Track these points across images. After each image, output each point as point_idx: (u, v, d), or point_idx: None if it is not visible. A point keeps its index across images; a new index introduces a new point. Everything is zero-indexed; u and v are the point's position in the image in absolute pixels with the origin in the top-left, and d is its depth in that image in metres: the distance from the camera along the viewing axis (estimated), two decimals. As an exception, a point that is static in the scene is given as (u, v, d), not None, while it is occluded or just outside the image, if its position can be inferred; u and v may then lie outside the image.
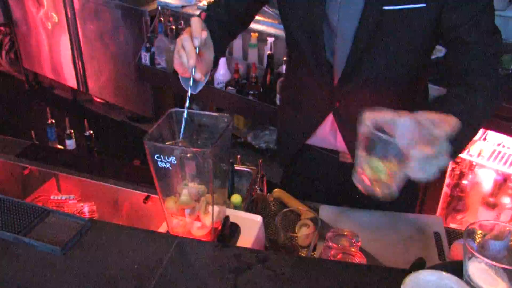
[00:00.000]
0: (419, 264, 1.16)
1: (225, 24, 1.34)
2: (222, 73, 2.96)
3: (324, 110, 1.35)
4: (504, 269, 0.79)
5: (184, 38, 1.05)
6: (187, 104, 1.03)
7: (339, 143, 1.38)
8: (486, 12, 1.12)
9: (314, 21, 1.22)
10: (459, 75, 1.15)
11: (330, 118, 1.35)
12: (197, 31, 1.04)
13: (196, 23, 1.04)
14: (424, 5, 1.11)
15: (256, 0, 1.36)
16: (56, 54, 4.15)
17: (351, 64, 1.23)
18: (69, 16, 3.85)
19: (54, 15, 3.95)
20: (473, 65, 1.12)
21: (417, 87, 1.35)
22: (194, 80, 1.21)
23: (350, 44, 1.20)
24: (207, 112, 1.06)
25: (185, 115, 1.02)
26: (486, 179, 2.43)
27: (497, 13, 2.41)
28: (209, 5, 1.38)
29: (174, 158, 0.95)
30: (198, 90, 1.22)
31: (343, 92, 1.29)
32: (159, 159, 0.96)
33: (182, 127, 1.01)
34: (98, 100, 4.30)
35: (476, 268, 0.82)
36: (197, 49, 1.04)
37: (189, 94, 1.06)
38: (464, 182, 2.51)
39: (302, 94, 1.42)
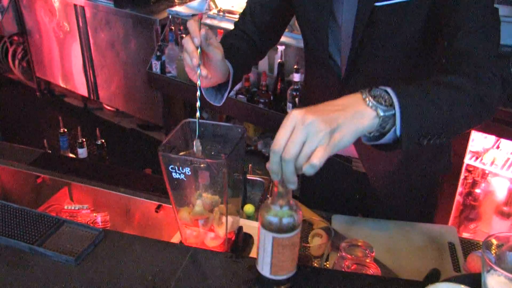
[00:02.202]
0: (434, 275, 1.15)
1: (253, 40, 1.34)
2: (233, 81, 2.98)
3: None
4: (523, 282, 0.78)
5: (184, 41, 1.05)
6: (198, 104, 1.03)
7: (350, 147, 1.37)
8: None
9: (321, 19, 1.23)
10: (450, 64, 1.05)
11: None
12: (195, 32, 1.03)
13: (192, 25, 1.04)
14: None
15: (280, 12, 1.36)
16: (68, 62, 4.18)
17: (352, 61, 1.23)
18: (81, 25, 3.88)
19: (66, 24, 3.99)
20: (470, 48, 1.02)
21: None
22: (220, 91, 1.22)
23: (350, 41, 1.21)
24: (220, 123, 1.06)
25: (198, 114, 1.02)
26: (499, 188, 2.41)
27: (505, 20, 2.40)
28: (235, 22, 1.38)
29: (189, 169, 0.95)
30: (222, 101, 1.23)
31: (349, 89, 1.29)
32: (174, 170, 0.96)
33: (197, 127, 1.01)
34: (109, 108, 4.32)
35: (495, 281, 0.81)
36: (199, 49, 1.04)
37: (198, 94, 1.06)
38: (477, 190, 2.49)
39: (315, 93, 1.42)
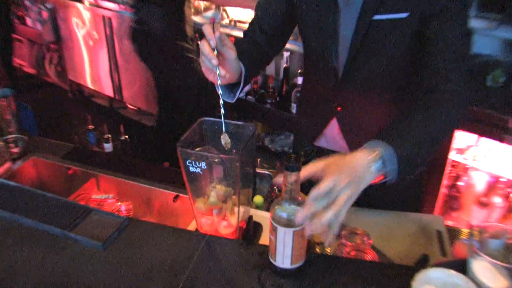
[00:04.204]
0: (424, 260, 1.13)
1: (261, 46, 1.32)
2: (243, 83, 2.97)
3: (328, 114, 1.33)
4: (504, 267, 0.77)
5: (201, 44, 1.02)
6: (221, 101, 1.02)
7: (342, 143, 1.35)
8: (459, 18, 1.09)
9: (324, 30, 1.22)
10: (429, 80, 1.11)
11: (335, 121, 1.33)
12: (210, 34, 1.00)
13: (207, 28, 1.01)
14: (407, 14, 1.10)
15: (286, 20, 1.33)
16: (96, 67, 4.17)
17: (348, 66, 1.22)
18: (108, 33, 3.87)
19: (95, 33, 3.98)
20: (443, 64, 1.09)
21: (413, 91, 1.31)
22: (232, 90, 1.18)
23: (348, 49, 1.20)
24: (233, 121, 1.03)
25: (222, 111, 1.02)
26: (479, 181, 2.39)
27: (488, 33, 2.38)
28: (245, 31, 1.35)
29: (204, 163, 0.93)
30: (235, 98, 1.19)
31: (344, 95, 1.27)
32: (191, 164, 0.94)
33: (223, 122, 1.01)
34: (131, 107, 4.31)
35: (480, 266, 0.81)
36: (215, 50, 1.01)
37: (220, 92, 1.04)
38: (460, 183, 2.47)
39: (313, 94, 1.40)
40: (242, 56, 1.16)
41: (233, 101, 1.19)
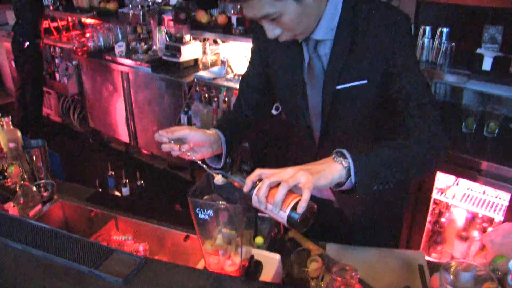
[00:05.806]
0: (407, 292, 1.15)
1: (247, 116, 1.41)
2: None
3: None
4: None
5: (162, 146, 1.20)
6: (199, 162, 1.15)
7: (330, 193, 1.40)
8: (415, 77, 1.12)
9: (297, 105, 1.29)
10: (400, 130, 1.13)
11: None
12: (162, 138, 1.19)
13: (157, 137, 1.20)
14: (366, 81, 1.15)
15: (265, 92, 1.41)
16: (114, 115, 4.24)
17: (324, 132, 1.28)
18: (125, 86, 3.96)
19: (113, 86, 4.08)
20: (417, 124, 1.11)
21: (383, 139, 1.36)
22: (217, 158, 1.30)
23: (320, 115, 1.25)
24: (238, 174, 1.09)
25: (204, 166, 1.14)
26: (459, 217, 2.41)
27: (460, 85, 2.46)
28: (234, 104, 1.45)
29: (212, 210, 0.98)
30: (221, 164, 1.28)
31: (323, 151, 1.32)
32: (200, 212, 0.99)
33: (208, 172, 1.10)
34: (145, 151, 4.36)
35: None
36: (172, 141, 1.18)
37: (192, 159, 1.19)
38: (442, 219, 2.49)
39: (295, 154, 1.47)
40: (229, 126, 1.28)
41: (220, 167, 1.27)
